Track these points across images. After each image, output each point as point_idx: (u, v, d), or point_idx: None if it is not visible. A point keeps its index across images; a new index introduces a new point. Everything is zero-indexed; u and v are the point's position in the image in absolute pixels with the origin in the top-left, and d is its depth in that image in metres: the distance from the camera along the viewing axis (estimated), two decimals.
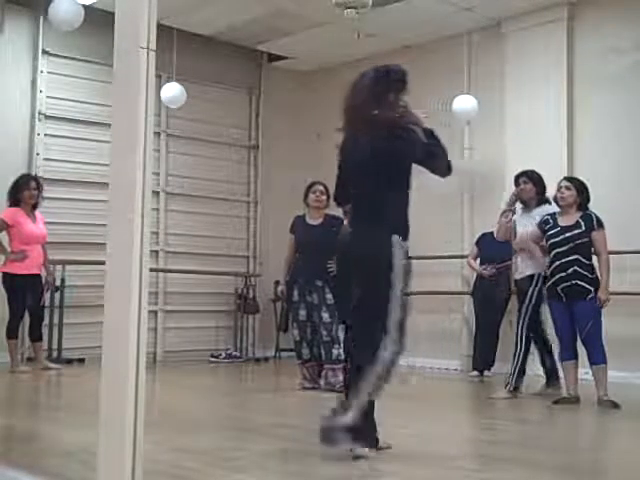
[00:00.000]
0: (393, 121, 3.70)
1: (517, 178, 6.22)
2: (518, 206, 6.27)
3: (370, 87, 3.76)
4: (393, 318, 3.59)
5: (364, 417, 3.55)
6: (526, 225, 6.08)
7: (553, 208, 6.05)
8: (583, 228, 5.67)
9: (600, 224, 5.69)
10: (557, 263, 5.69)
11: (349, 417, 3.50)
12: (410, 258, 3.67)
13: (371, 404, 3.75)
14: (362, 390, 3.56)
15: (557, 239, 5.72)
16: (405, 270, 3.61)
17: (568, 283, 5.64)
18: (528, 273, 6.00)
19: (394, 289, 3.58)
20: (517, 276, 6.17)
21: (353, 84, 3.83)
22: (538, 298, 5.95)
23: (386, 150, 3.68)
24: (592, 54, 7.90)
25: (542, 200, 6.15)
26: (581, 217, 5.73)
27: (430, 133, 3.75)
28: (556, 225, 5.78)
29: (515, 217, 6.23)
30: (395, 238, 3.60)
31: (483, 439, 4.55)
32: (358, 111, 3.76)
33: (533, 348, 6.18)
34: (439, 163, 3.75)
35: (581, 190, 5.81)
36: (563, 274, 5.66)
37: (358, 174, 3.79)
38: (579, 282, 5.62)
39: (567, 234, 5.68)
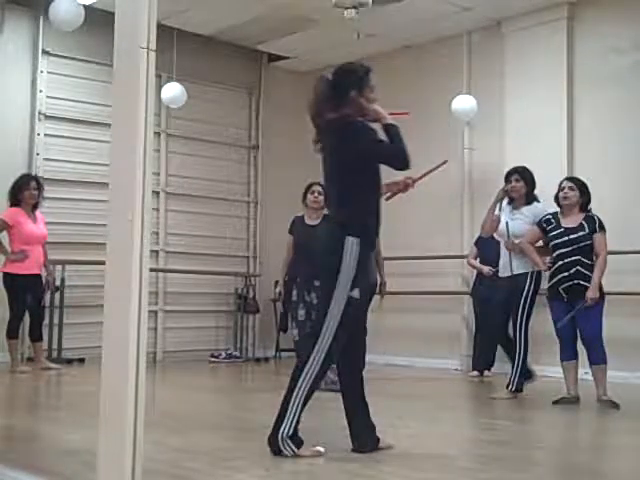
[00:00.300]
0: (346, 122, 3.70)
1: (508, 175, 6.18)
2: (504, 202, 6.21)
3: (326, 90, 3.77)
4: (330, 321, 3.58)
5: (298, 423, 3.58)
6: (514, 220, 6.04)
7: (543, 206, 6.06)
8: (587, 230, 5.67)
9: (602, 227, 5.70)
10: (560, 263, 5.69)
11: (286, 424, 3.53)
12: (365, 259, 3.63)
13: (365, 405, 3.75)
14: (290, 399, 3.58)
15: (560, 240, 5.71)
16: (356, 271, 3.58)
17: (570, 282, 5.65)
18: (522, 271, 5.98)
19: (339, 289, 3.57)
20: (509, 273, 6.02)
21: (313, 89, 3.85)
22: (533, 297, 5.94)
23: (341, 152, 3.71)
24: (592, 54, 7.90)
25: (531, 198, 6.13)
26: (584, 219, 5.73)
27: (394, 129, 3.71)
28: (559, 226, 5.77)
29: (501, 213, 6.17)
30: (349, 239, 3.59)
31: (483, 439, 4.55)
32: (317, 116, 3.79)
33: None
34: (394, 160, 3.71)
35: (583, 190, 5.82)
36: (566, 274, 5.66)
37: (324, 176, 3.86)
38: (581, 282, 5.62)
39: (572, 236, 5.68)
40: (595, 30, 7.90)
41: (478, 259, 7.76)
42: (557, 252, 5.73)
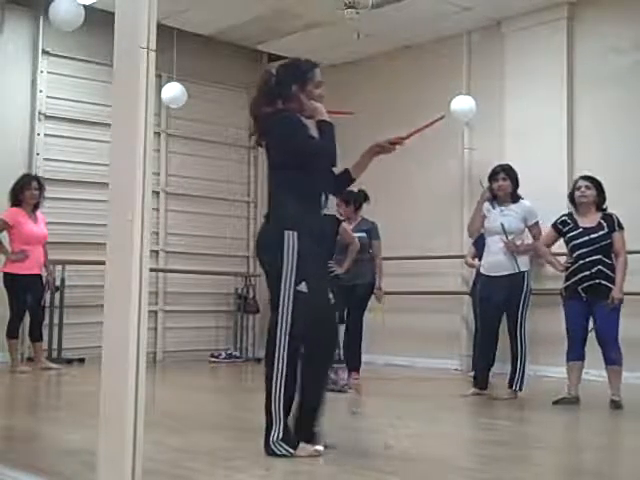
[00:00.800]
0: (278, 117, 3.68)
1: (494, 174, 6.14)
2: (486, 203, 6.20)
3: (268, 84, 3.77)
4: (282, 321, 3.55)
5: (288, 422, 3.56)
6: (505, 217, 6.02)
7: (533, 204, 6.08)
8: (606, 229, 5.66)
9: (621, 226, 5.70)
10: (581, 262, 5.66)
11: (274, 429, 3.53)
12: (309, 251, 3.58)
13: (322, 406, 3.67)
14: (271, 405, 3.55)
15: (581, 240, 5.68)
16: (298, 264, 3.55)
17: (591, 282, 5.62)
18: (525, 269, 5.98)
19: (284, 286, 3.55)
20: (511, 271, 5.99)
21: (257, 82, 3.86)
22: (530, 296, 5.96)
23: (274, 146, 3.72)
24: (592, 54, 7.90)
25: (517, 196, 6.13)
26: (602, 218, 5.72)
27: (327, 126, 3.67)
28: (577, 226, 5.74)
29: (487, 213, 6.15)
30: (287, 233, 3.56)
31: (483, 439, 4.55)
32: (255, 109, 3.78)
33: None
34: (321, 158, 3.69)
35: (600, 189, 5.80)
36: (587, 273, 5.63)
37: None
38: (602, 281, 5.60)
39: (592, 235, 5.66)
40: (595, 30, 7.90)
41: (477, 259, 7.75)
42: (578, 252, 5.69)
